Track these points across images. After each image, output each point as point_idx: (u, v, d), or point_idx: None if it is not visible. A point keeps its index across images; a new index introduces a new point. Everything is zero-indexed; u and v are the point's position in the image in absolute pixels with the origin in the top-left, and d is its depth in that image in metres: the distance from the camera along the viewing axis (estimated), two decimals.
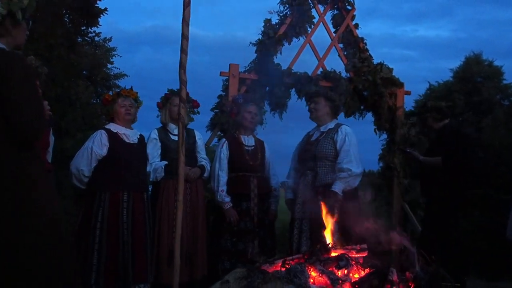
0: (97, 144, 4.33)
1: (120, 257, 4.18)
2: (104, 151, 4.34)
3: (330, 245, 3.28)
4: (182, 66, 3.35)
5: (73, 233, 4.38)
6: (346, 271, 2.90)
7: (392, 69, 6.43)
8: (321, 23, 6.40)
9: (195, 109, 5.01)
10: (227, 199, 4.61)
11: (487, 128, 9.34)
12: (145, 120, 4.91)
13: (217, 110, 5.98)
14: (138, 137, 4.59)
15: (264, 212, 4.75)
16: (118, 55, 11.09)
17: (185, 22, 3.36)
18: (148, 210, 4.46)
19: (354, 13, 6.52)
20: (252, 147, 4.87)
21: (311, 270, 2.87)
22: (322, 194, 4.36)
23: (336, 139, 4.50)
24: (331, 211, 4.16)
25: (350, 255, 3.07)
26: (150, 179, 4.67)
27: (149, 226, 4.42)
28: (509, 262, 6.44)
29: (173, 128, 4.76)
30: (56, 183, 4.18)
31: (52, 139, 4.31)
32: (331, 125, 4.65)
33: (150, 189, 4.82)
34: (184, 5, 3.31)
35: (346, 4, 6.50)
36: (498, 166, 8.14)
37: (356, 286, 2.74)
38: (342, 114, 6.39)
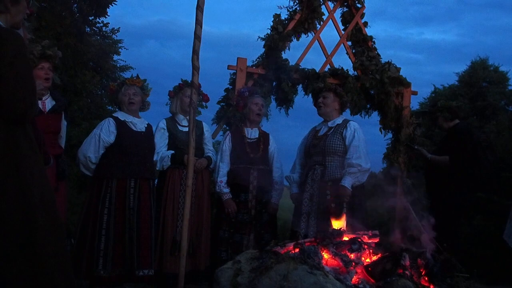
0: (105, 132, 4.40)
1: (127, 242, 4.21)
2: (111, 139, 4.40)
3: (342, 230, 3.28)
4: (195, 52, 3.38)
5: (78, 220, 4.42)
6: (358, 255, 2.90)
7: (400, 68, 6.40)
8: (330, 20, 6.39)
9: (204, 103, 5.04)
10: (226, 190, 4.66)
11: (491, 133, 9.33)
12: (149, 114, 4.90)
13: (223, 104, 5.97)
14: (146, 125, 4.64)
15: (264, 205, 4.74)
16: (124, 48, 11.09)
17: (200, 8, 3.38)
18: (153, 197, 4.48)
19: (364, 11, 6.52)
20: (255, 139, 4.88)
21: (324, 252, 2.88)
22: (331, 189, 4.36)
23: (345, 134, 4.50)
24: (340, 205, 4.17)
25: (362, 240, 3.07)
26: (157, 168, 4.71)
27: (153, 213, 4.45)
28: (508, 266, 6.42)
29: (182, 119, 4.80)
30: (62, 171, 4.18)
31: (64, 123, 4.33)
32: (339, 120, 4.66)
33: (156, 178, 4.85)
34: None
35: (356, 1, 6.48)
36: (502, 172, 8.11)
37: (369, 269, 2.75)
38: (348, 112, 6.43)
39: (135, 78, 4.68)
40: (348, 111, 6.34)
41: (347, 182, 4.29)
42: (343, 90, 6.16)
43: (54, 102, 4.15)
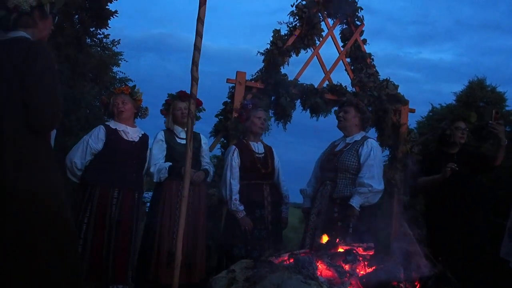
0: (94, 138, 4.38)
1: (104, 254, 4.15)
2: (99, 146, 4.36)
3: (337, 241, 3.27)
4: (194, 63, 3.38)
5: None
6: (353, 266, 2.90)
7: (398, 86, 6.46)
8: (330, 36, 6.44)
9: (200, 107, 5.03)
10: (241, 207, 4.53)
11: (487, 153, 9.30)
12: (147, 127, 4.91)
13: (221, 117, 5.98)
14: (140, 135, 4.60)
15: (276, 219, 4.73)
16: (124, 60, 11.17)
17: (200, 20, 3.40)
18: (137, 209, 4.44)
19: (363, 29, 6.58)
20: (263, 154, 4.83)
21: (319, 262, 2.87)
22: (339, 207, 4.24)
23: (361, 152, 4.33)
24: (346, 225, 4.03)
25: (357, 251, 3.07)
26: (154, 180, 4.67)
27: (134, 227, 4.40)
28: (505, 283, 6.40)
29: (180, 131, 4.79)
30: None
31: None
32: (358, 137, 4.51)
33: (152, 190, 4.83)
34: (199, 4, 3.36)
35: (355, 19, 6.55)
36: (499, 191, 8.10)
37: (364, 280, 2.74)
38: None
39: (121, 87, 4.71)
40: None
41: (355, 202, 4.13)
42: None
43: None
